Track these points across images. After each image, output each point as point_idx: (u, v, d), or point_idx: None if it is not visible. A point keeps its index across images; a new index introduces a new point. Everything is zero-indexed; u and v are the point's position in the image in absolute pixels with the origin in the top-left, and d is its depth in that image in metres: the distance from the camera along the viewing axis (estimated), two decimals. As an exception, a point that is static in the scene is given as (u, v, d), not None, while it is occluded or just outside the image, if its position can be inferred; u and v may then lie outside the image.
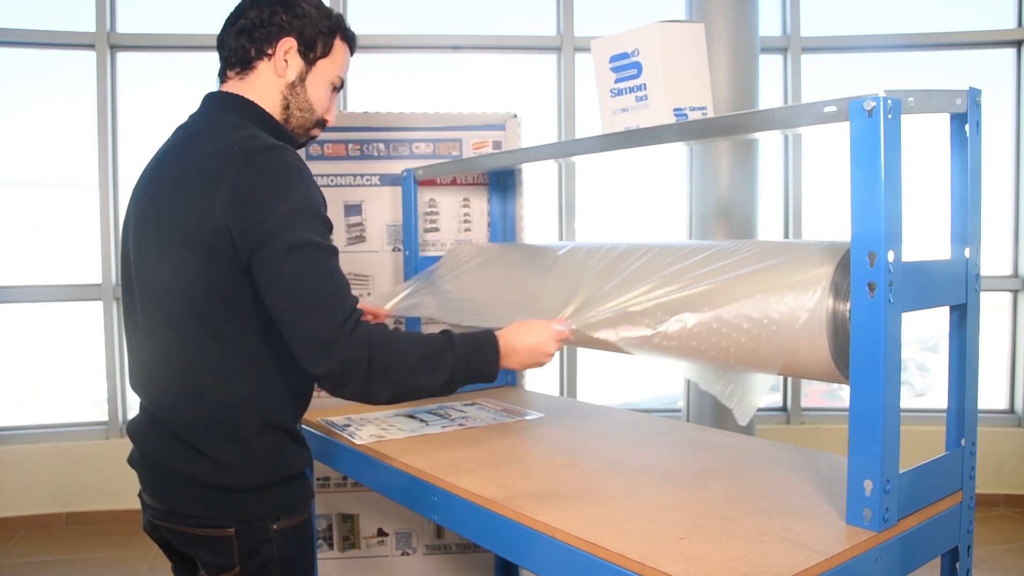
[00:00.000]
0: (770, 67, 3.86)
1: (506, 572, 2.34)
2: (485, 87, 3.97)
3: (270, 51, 1.29)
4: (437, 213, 2.34)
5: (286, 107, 1.32)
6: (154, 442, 1.24)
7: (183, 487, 1.21)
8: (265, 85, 1.30)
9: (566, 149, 1.79)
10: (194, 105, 1.34)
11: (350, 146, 2.33)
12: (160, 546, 1.33)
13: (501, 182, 2.30)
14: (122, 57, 3.75)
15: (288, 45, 1.29)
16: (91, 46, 3.67)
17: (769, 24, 3.79)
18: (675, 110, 1.49)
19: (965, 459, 1.23)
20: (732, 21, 3.35)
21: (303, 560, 1.28)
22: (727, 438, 1.56)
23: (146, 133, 3.75)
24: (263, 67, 1.30)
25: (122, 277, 1.33)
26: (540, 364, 1.38)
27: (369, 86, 3.83)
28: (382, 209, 2.33)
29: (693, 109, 1.51)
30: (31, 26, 3.70)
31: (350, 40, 1.39)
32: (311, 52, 1.32)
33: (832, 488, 1.21)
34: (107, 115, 3.69)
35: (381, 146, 2.33)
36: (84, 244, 3.72)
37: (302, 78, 1.32)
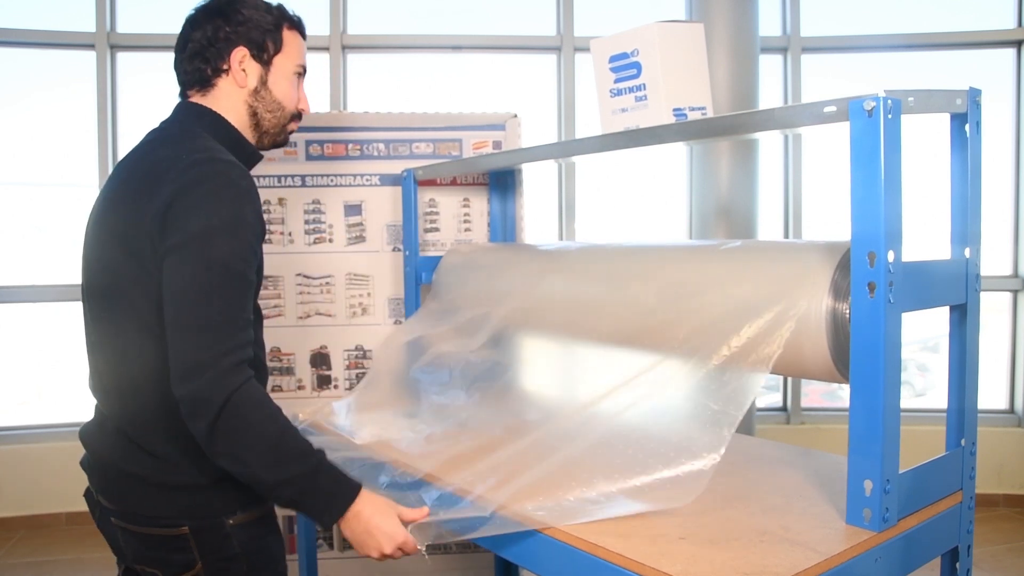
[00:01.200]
0: (770, 67, 3.86)
1: (506, 572, 2.33)
2: (485, 87, 3.97)
3: (225, 66, 1.30)
4: (437, 213, 2.34)
5: (254, 114, 1.33)
6: (104, 444, 1.26)
7: (134, 487, 1.21)
8: (228, 99, 1.31)
9: (566, 149, 1.78)
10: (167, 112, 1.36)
11: (350, 146, 2.33)
12: (111, 544, 1.31)
13: (501, 182, 2.30)
14: (122, 57, 3.75)
15: (241, 55, 1.30)
16: (91, 46, 3.67)
17: (769, 24, 3.79)
18: (675, 110, 1.49)
19: (965, 459, 1.23)
20: (732, 21, 3.35)
21: (270, 551, 1.28)
22: (727, 438, 1.56)
23: (146, 133, 3.75)
24: (223, 83, 1.30)
25: (81, 281, 1.34)
26: (366, 552, 1.21)
27: (369, 86, 3.82)
28: (382, 209, 2.33)
29: (693, 109, 1.50)
30: (31, 26, 3.70)
31: (298, 26, 1.38)
32: (264, 53, 1.32)
33: (832, 488, 1.21)
34: (107, 115, 3.69)
35: (381, 146, 2.33)
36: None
37: (263, 81, 1.32)
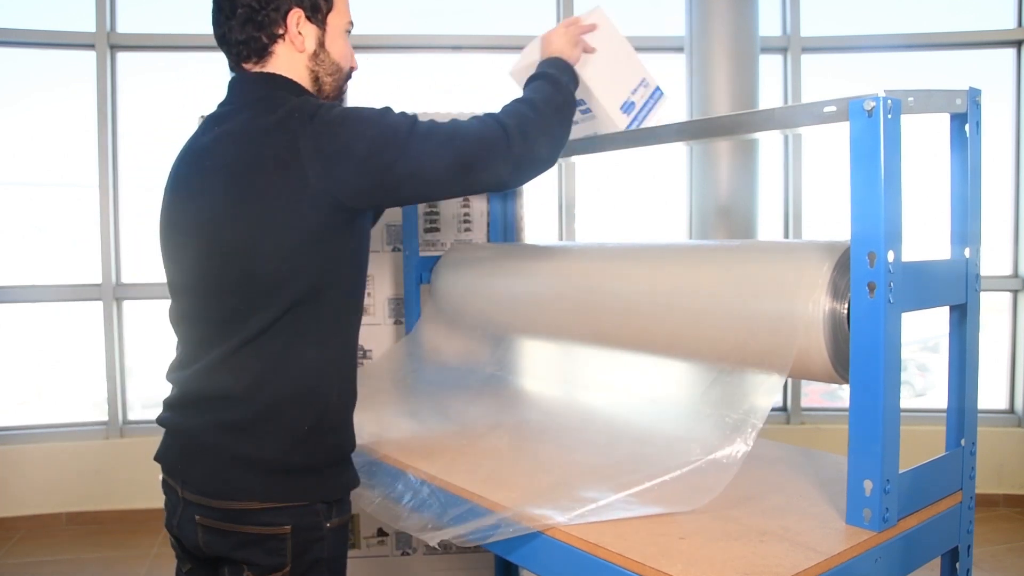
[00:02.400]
0: (770, 67, 3.86)
1: (506, 572, 2.33)
2: (485, 87, 3.97)
3: (281, 31, 1.23)
4: (437, 213, 2.34)
5: (315, 79, 1.29)
6: (209, 431, 1.20)
7: (244, 475, 1.17)
8: (289, 64, 1.25)
9: (566, 149, 1.78)
10: (195, 105, 1.32)
11: (350, 146, 2.32)
12: (187, 544, 1.25)
13: (501, 182, 2.29)
14: (122, 57, 3.75)
15: (296, 16, 1.24)
16: (91, 46, 3.67)
17: (769, 24, 3.79)
18: (622, 106, 1.48)
19: (965, 459, 1.23)
20: (732, 21, 3.35)
21: (344, 558, 1.28)
22: (727, 438, 1.56)
23: (146, 133, 3.75)
24: (280, 49, 1.24)
25: (175, 273, 1.28)
26: (570, 46, 1.45)
27: (369, 86, 3.82)
28: (382, 209, 2.33)
29: (636, 91, 1.50)
30: (31, 26, 3.70)
31: None
32: (318, 13, 1.26)
33: (832, 488, 1.21)
34: (107, 115, 3.68)
35: (381, 146, 2.33)
36: (84, 244, 3.72)
37: (321, 43, 1.27)
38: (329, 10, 1.28)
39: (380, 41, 3.77)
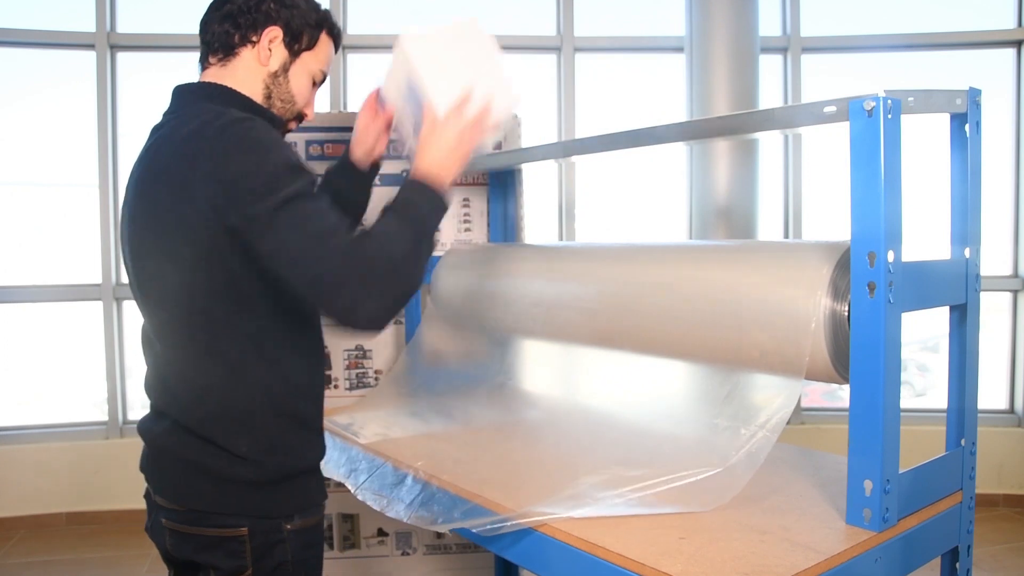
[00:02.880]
0: (770, 67, 3.86)
1: (506, 572, 2.33)
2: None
3: (255, 38, 1.26)
4: (437, 213, 2.34)
5: (268, 96, 1.29)
6: (167, 436, 1.21)
7: (196, 481, 1.18)
8: (247, 72, 1.28)
9: (566, 149, 1.78)
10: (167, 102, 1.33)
11: (350, 146, 2.32)
12: (160, 549, 1.29)
13: (501, 182, 2.29)
14: (122, 57, 3.75)
15: (274, 34, 1.27)
16: (91, 46, 3.67)
17: (769, 24, 3.79)
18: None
19: (965, 459, 1.23)
20: (732, 21, 3.35)
21: (316, 562, 1.27)
22: (727, 438, 1.56)
23: (146, 133, 3.75)
24: (246, 54, 1.27)
25: (129, 282, 1.30)
26: (470, 152, 1.31)
27: (369, 86, 3.83)
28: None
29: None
30: (31, 26, 3.70)
31: (335, 36, 1.37)
32: (296, 43, 1.29)
33: (832, 488, 1.21)
34: (107, 115, 3.69)
35: (381, 146, 2.32)
36: (84, 244, 3.73)
37: (285, 68, 1.30)
38: (309, 47, 1.31)
39: (380, 41, 3.76)
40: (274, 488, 1.20)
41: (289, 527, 1.20)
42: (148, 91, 3.78)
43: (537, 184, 3.80)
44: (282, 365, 1.21)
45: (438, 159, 1.26)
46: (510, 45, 3.88)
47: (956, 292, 1.19)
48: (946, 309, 1.22)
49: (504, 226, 2.31)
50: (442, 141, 1.27)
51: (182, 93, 1.29)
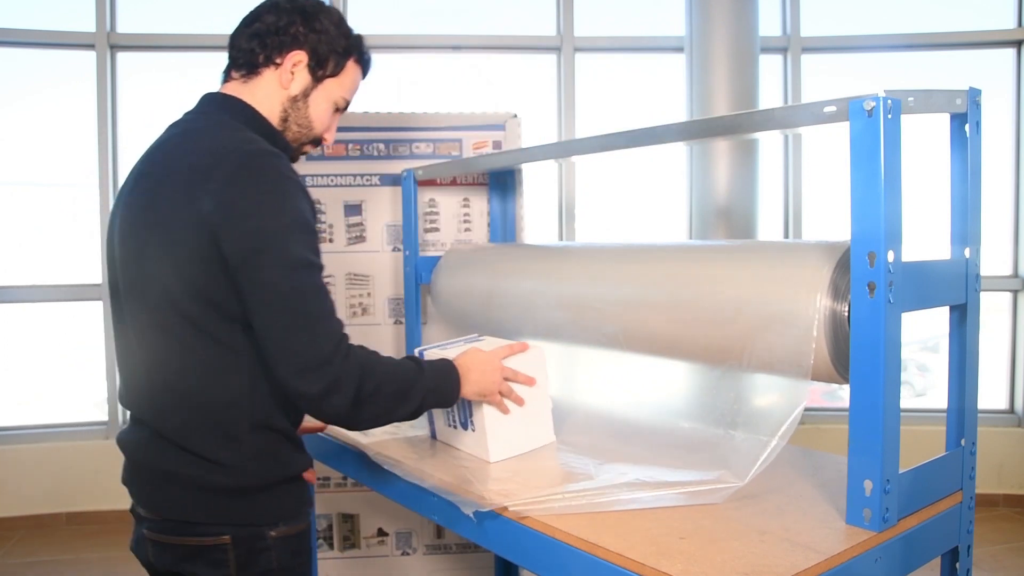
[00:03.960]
0: (770, 67, 3.86)
1: (506, 572, 2.33)
2: (485, 87, 3.97)
3: (279, 60, 1.26)
4: (437, 213, 2.34)
5: (284, 119, 1.29)
6: (146, 448, 1.20)
7: (177, 491, 1.17)
8: (267, 93, 1.27)
9: (566, 149, 1.78)
10: (192, 104, 1.32)
11: (350, 146, 2.33)
12: (143, 562, 1.28)
13: (501, 182, 2.30)
14: (122, 57, 3.75)
15: (298, 58, 1.26)
16: (91, 46, 3.67)
17: (769, 24, 3.79)
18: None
19: (965, 459, 1.23)
20: (732, 21, 3.35)
21: (302, 570, 1.25)
22: (727, 438, 1.56)
23: (146, 133, 3.75)
24: (268, 75, 1.26)
25: (108, 280, 1.29)
26: (489, 391, 1.38)
27: (369, 86, 3.83)
28: (382, 209, 2.33)
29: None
30: (31, 26, 3.70)
31: (364, 63, 1.36)
32: (320, 69, 1.28)
33: (832, 488, 1.21)
34: (107, 115, 3.69)
35: (381, 146, 2.33)
36: (84, 244, 3.73)
37: (306, 94, 1.28)
38: (333, 74, 1.30)
39: (380, 41, 3.77)
40: (256, 495, 1.18)
41: (274, 534, 1.18)
42: (148, 91, 3.78)
43: (537, 184, 3.81)
44: (260, 376, 1.16)
45: (475, 379, 1.36)
46: (510, 45, 3.91)
47: (956, 292, 1.19)
48: (946, 309, 1.22)
49: (504, 226, 2.31)
50: (487, 372, 1.37)
51: (208, 100, 1.28)
